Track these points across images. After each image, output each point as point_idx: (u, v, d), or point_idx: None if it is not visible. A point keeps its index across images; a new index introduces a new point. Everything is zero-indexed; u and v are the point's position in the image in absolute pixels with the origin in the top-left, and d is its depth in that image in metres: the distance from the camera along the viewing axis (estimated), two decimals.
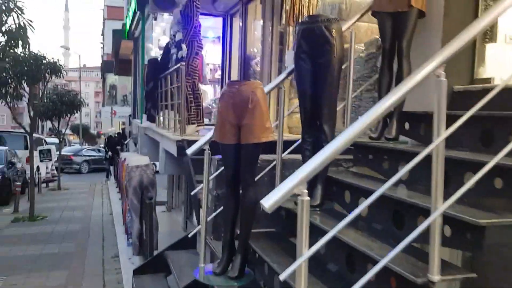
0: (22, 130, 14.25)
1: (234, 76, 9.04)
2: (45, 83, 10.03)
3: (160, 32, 11.68)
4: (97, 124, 61.70)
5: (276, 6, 6.65)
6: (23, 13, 4.86)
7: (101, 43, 46.68)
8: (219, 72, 10.96)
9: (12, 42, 4.91)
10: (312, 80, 2.98)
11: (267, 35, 6.89)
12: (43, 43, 57.51)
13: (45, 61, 9.70)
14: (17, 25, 4.87)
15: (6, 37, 4.88)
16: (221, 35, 9.73)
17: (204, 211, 3.11)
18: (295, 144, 3.30)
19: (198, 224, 4.59)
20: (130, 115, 18.08)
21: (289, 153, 3.34)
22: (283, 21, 6.55)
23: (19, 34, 4.87)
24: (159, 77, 8.03)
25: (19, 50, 5.12)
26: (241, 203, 2.96)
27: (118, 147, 17.44)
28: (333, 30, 2.90)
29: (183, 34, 5.75)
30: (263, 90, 2.91)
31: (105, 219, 9.61)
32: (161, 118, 8.15)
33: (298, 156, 3.36)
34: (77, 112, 16.36)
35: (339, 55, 2.94)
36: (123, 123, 19.81)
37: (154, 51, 11.53)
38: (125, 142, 19.10)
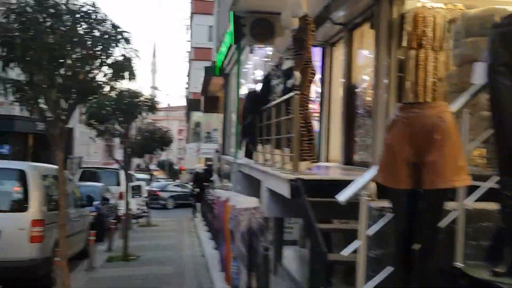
0: (115, 166, 14.53)
1: (337, 108, 8.34)
2: (142, 119, 9.99)
3: (251, 66, 11.39)
4: (178, 161, 63.61)
5: (395, 29, 5.91)
6: (130, 43, 4.53)
7: (186, 83, 48.70)
8: (311, 105, 10.28)
9: (119, 74, 4.56)
10: None
11: (382, 61, 6.13)
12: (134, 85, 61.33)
13: (142, 98, 9.70)
14: (123, 56, 4.53)
15: (112, 69, 4.54)
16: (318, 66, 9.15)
17: (360, 281, 2.34)
18: (484, 189, 2.47)
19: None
20: (217, 151, 17.98)
21: (476, 200, 2.50)
22: (404, 44, 5.79)
23: (125, 65, 4.52)
24: (259, 110, 7.54)
25: (124, 83, 4.76)
26: (419, 269, 2.15)
27: (206, 184, 17.27)
28: None
29: (295, 60, 5.18)
30: (452, 115, 2.14)
31: (197, 261, 9.11)
32: (262, 154, 7.59)
33: (487, 205, 2.51)
34: (166, 148, 16.51)
35: None
36: (209, 160, 19.73)
37: (246, 86, 11.22)
38: (212, 179, 18.96)
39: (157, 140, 16.01)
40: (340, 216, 5.18)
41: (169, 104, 71.50)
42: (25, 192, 6.73)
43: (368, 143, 6.70)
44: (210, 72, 14.23)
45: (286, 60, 5.73)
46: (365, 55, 7.36)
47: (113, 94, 9.55)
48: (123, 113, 9.45)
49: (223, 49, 11.70)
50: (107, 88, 4.79)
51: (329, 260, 3.52)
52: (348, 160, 7.51)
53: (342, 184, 2.84)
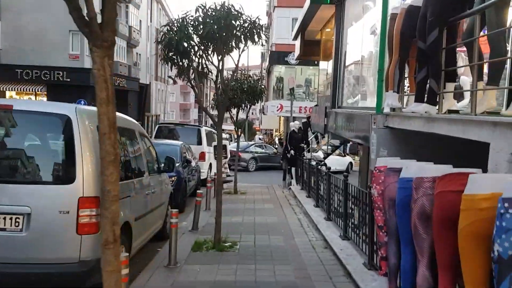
0: (194, 123, 11.87)
1: None
2: (240, 52, 7.00)
3: None
4: (252, 120, 61.21)
5: None
6: None
7: (265, 36, 44.96)
8: None
9: None
10: None
11: None
12: None
13: (241, 21, 6.70)
14: None
15: None
16: None
17: None
18: None
19: None
20: (316, 106, 14.84)
21: None
22: None
23: None
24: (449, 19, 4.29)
25: None
26: None
27: (303, 145, 14.31)
28: None
29: None
30: None
31: (322, 257, 6.21)
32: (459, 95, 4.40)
33: None
34: (257, 102, 13.63)
35: None
36: (307, 118, 16.58)
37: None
38: (309, 139, 15.98)
39: (246, 91, 13.20)
40: None
41: (243, 64, 68.32)
42: (70, 152, 4.07)
43: None
44: (317, 1, 10.89)
45: None
46: None
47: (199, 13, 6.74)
48: (214, 40, 6.57)
49: None
50: None
51: None
52: None
53: None
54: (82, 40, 27.44)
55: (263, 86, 13.54)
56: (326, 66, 15.19)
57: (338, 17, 10.86)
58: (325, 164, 13.40)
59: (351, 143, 18.42)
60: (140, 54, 36.52)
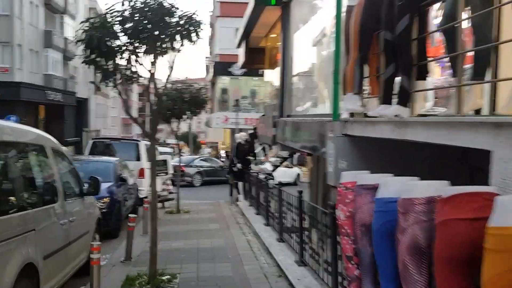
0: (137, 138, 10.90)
1: None
2: (175, 53, 6.04)
3: None
4: (198, 134, 60.01)
5: None
6: None
7: (209, 46, 44.22)
8: None
9: None
10: None
11: None
12: None
13: (176, 17, 5.75)
14: None
15: None
16: None
17: None
18: None
19: None
20: (263, 116, 14.07)
21: None
22: None
23: None
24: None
25: None
26: None
27: (250, 157, 13.45)
28: None
29: None
30: None
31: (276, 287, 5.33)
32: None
33: None
34: (200, 112, 12.66)
35: None
36: (252, 129, 15.66)
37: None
38: (256, 151, 15.17)
39: (187, 101, 12.21)
40: None
41: (186, 77, 66.57)
42: None
43: None
44: (262, 3, 10.16)
45: None
46: None
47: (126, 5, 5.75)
48: (144, 39, 5.59)
49: None
50: None
51: None
52: None
53: None
54: (12, 52, 25.35)
55: (206, 96, 12.64)
56: (273, 74, 14.55)
57: (284, 20, 10.18)
58: (271, 176, 12.74)
59: (298, 154, 17.90)
60: (77, 67, 34.41)
